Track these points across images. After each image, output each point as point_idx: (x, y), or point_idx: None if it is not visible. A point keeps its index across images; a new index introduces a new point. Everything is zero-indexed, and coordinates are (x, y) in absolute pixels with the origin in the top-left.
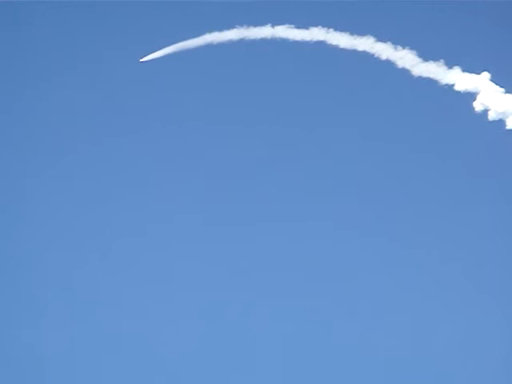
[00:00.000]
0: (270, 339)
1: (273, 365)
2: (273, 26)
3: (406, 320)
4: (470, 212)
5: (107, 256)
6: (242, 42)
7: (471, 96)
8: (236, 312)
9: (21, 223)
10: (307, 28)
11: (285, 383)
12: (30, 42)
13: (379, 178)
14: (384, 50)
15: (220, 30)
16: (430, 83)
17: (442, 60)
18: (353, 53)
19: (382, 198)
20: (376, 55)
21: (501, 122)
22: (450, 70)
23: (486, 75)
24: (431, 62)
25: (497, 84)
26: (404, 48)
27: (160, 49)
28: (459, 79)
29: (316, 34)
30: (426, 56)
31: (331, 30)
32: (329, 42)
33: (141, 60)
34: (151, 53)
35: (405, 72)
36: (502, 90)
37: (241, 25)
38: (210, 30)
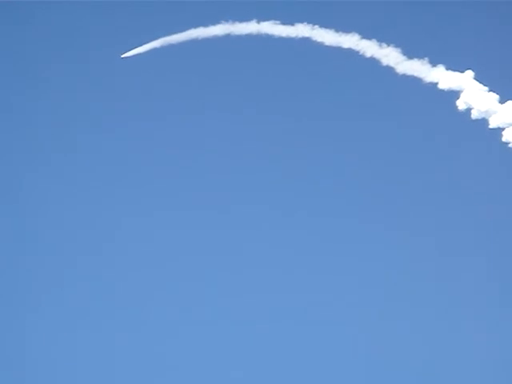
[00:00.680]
0: (270, 339)
1: (273, 365)
2: (258, 22)
3: (405, 320)
4: (453, 209)
5: (107, 256)
6: (227, 37)
7: (455, 94)
8: (236, 310)
9: (20, 222)
10: (293, 24)
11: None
12: (11, 40)
13: (361, 173)
14: (369, 48)
15: (205, 25)
16: (413, 81)
17: (426, 58)
18: (338, 50)
19: (365, 193)
20: (361, 52)
21: (484, 121)
22: (434, 68)
23: (469, 73)
24: (416, 59)
25: (480, 82)
26: (389, 45)
27: (144, 44)
28: (443, 77)
29: (301, 30)
30: (410, 54)
31: (316, 26)
32: (314, 39)
33: (122, 56)
34: (134, 48)
35: (389, 70)
36: (486, 88)
37: (226, 20)
38: (196, 26)
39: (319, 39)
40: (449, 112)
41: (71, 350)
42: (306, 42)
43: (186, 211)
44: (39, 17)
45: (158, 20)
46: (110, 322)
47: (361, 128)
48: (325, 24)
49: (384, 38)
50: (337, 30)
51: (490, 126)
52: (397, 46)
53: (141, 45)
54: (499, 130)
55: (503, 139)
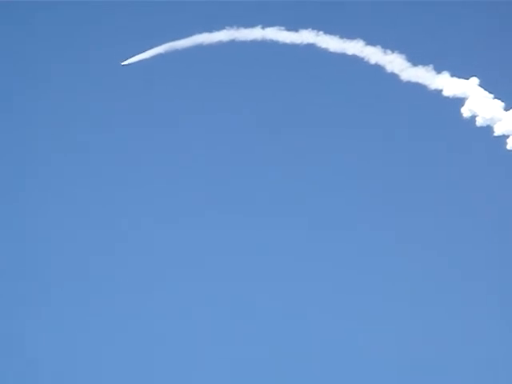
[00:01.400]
0: (270, 339)
1: (272, 365)
2: (263, 28)
3: (405, 320)
4: (457, 216)
5: (106, 256)
6: (232, 43)
7: (459, 101)
8: (235, 310)
9: (20, 221)
10: (297, 30)
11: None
12: (9, 45)
13: (366, 178)
14: (373, 54)
15: (210, 31)
16: (418, 88)
17: (431, 65)
18: (342, 56)
19: (369, 199)
20: (365, 59)
21: (488, 129)
22: (439, 75)
23: (474, 80)
24: (420, 66)
25: (486, 89)
26: (393, 52)
27: (148, 49)
28: (448, 84)
29: (306, 36)
30: (415, 60)
31: (321, 32)
32: (319, 45)
33: (122, 63)
34: (137, 54)
35: (394, 76)
36: (491, 95)
37: (231, 26)
38: (200, 31)
39: (324, 45)
40: (453, 119)
41: (71, 350)
42: (311, 48)
43: (184, 215)
44: (40, 18)
45: (163, 25)
46: (110, 322)
47: (365, 134)
48: (330, 30)
49: (388, 45)
50: (341, 37)
51: (495, 134)
52: (401, 52)
53: (144, 50)
54: (504, 137)
55: (508, 147)
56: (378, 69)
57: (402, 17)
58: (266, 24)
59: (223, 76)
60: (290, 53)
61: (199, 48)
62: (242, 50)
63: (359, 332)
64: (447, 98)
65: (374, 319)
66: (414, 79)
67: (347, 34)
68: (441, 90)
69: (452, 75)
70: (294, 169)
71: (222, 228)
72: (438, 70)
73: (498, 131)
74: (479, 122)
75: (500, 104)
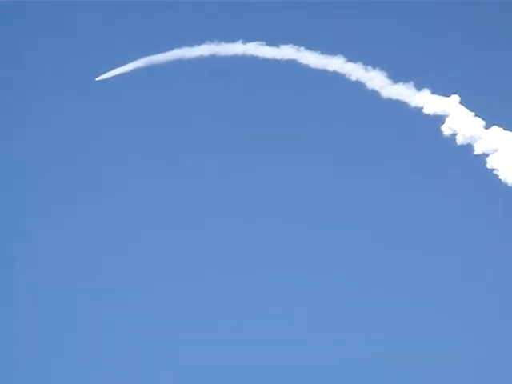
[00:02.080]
0: (269, 339)
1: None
2: (244, 43)
3: (405, 321)
4: (437, 236)
5: (106, 256)
6: (212, 58)
7: (440, 119)
8: (235, 311)
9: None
10: (278, 45)
11: None
12: None
13: (346, 198)
14: (354, 70)
15: (190, 45)
16: (399, 105)
17: (411, 81)
18: (323, 72)
19: (348, 216)
20: (346, 76)
21: (469, 147)
22: (420, 92)
23: (455, 98)
24: (401, 83)
25: (466, 107)
26: (374, 69)
27: (125, 64)
28: (428, 101)
29: (287, 52)
30: (395, 77)
31: (302, 48)
32: (299, 61)
33: (97, 79)
34: (114, 68)
35: (374, 94)
36: (472, 113)
37: (212, 40)
38: (180, 45)
39: (304, 61)
40: (434, 137)
41: (70, 350)
42: (292, 63)
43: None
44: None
45: (142, 39)
46: (109, 323)
47: (345, 152)
48: (311, 45)
49: (370, 61)
50: (322, 52)
51: (475, 152)
52: (382, 69)
53: (121, 65)
54: (484, 156)
55: (487, 166)
56: (359, 85)
57: (383, 33)
58: (246, 39)
59: (203, 91)
60: (270, 68)
61: (179, 62)
62: (223, 65)
63: (359, 335)
64: (428, 115)
65: (374, 322)
66: (394, 96)
67: (328, 49)
68: (421, 108)
69: (433, 92)
70: (272, 183)
71: (221, 229)
72: (419, 87)
73: (478, 150)
74: (459, 140)
75: (481, 122)
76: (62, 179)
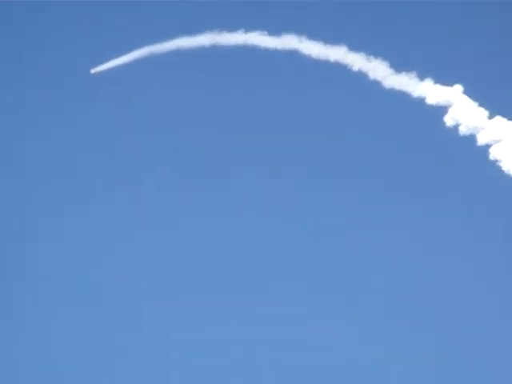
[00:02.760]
0: (269, 339)
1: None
2: (245, 32)
3: (405, 321)
4: (439, 228)
5: (106, 257)
6: (213, 47)
7: (443, 109)
8: (234, 311)
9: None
10: (280, 35)
11: None
12: None
13: (348, 188)
14: (357, 61)
15: (191, 34)
16: (401, 95)
17: (414, 71)
18: (325, 63)
19: (350, 208)
20: (348, 66)
21: (472, 138)
22: (422, 82)
23: (458, 88)
24: (404, 73)
25: (470, 97)
26: (377, 58)
27: (127, 53)
28: (431, 91)
29: (289, 41)
30: (398, 67)
31: (304, 37)
32: (301, 51)
33: (92, 71)
34: (115, 58)
35: (376, 84)
36: (476, 103)
37: (212, 30)
38: (181, 35)
39: (306, 51)
40: (437, 128)
41: (70, 350)
42: (294, 53)
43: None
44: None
45: (141, 29)
46: (109, 323)
47: (347, 142)
48: (313, 35)
49: (372, 51)
50: (325, 42)
51: (478, 143)
52: (385, 59)
53: (119, 56)
54: (487, 146)
55: (490, 157)
56: (361, 75)
57: (385, 23)
58: (248, 28)
59: (203, 81)
60: (272, 58)
61: (179, 52)
62: (224, 55)
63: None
64: (430, 105)
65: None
66: (397, 86)
67: (330, 39)
68: (424, 98)
69: (435, 82)
70: (275, 174)
71: (221, 229)
72: (422, 77)
73: (481, 140)
74: (462, 130)
75: (484, 112)
76: (62, 179)
